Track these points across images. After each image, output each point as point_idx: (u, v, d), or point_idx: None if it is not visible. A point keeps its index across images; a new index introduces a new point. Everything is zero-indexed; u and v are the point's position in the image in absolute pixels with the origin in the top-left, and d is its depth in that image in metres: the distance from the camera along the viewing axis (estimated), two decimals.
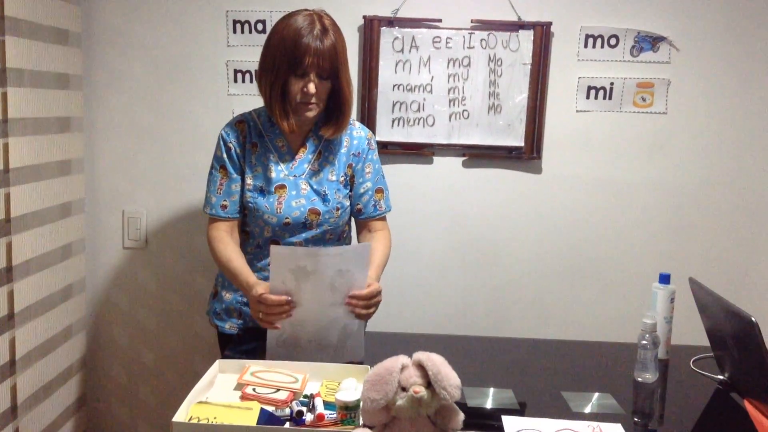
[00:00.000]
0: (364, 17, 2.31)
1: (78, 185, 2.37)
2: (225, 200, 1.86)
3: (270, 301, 1.62)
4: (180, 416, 1.34)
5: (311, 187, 1.85)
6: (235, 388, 1.52)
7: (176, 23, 2.36)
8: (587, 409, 1.54)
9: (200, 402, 1.40)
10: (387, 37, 2.31)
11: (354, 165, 1.90)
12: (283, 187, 1.84)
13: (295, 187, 1.85)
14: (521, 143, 2.37)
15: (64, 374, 2.33)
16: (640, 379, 1.70)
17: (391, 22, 2.31)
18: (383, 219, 1.96)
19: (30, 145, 2.03)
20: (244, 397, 1.46)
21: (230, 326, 1.94)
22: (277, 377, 1.53)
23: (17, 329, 2.01)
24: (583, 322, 2.48)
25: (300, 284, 1.61)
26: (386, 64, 2.33)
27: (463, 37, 2.32)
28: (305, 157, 1.87)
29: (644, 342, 1.68)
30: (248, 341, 1.85)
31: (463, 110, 2.36)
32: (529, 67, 2.33)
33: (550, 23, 2.32)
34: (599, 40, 2.35)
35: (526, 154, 2.38)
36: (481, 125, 2.37)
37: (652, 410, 1.64)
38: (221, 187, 1.86)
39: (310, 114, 1.79)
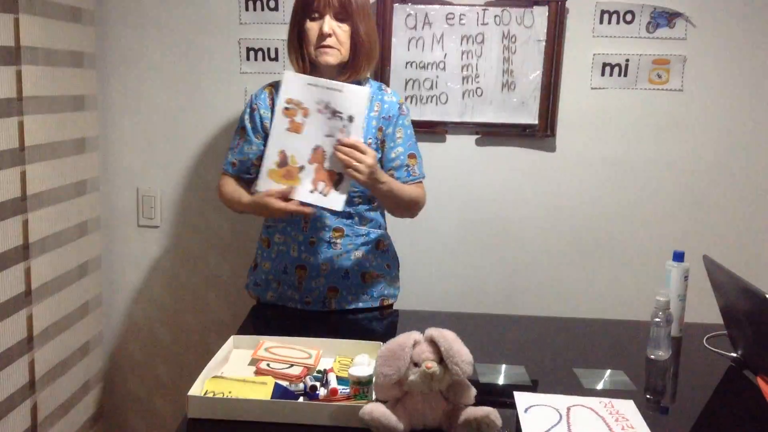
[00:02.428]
0: None
1: (92, 163, 2.38)
2: (235, 159, 1.93)
3: (272, 191, 1.76)
4: (195, 390, 1.36)
5: None
6: (250, 364, 1.54)
7: (188, 1, 2.35)
8: (599, 386, 1.55)
9: (215, 377, 1.42)
10: (400, 13, 2.30)
11: (384, 129, 1.90)
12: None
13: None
14: (535, 121, 2.35)
15: (81, 350, 2.36)
16: (652, 357, 1.70)
17: None
18: (417, 184, 1.93)
19: (45, 123, 2.05)
20: (259, 372, 1.48)
21: (270, 295, 1.98)
22: (291, 353, 1.55)
23: (34, 306, 2.03)
24: (597, 300, 2.47)
25: (300, 112, 1.75)
26: (399, 41, 2.31)
27: (477, 13, 2.30)
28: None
29: (657, 319, 1.68)
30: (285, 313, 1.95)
31: (477, 88, 2.35)
32: (544, 43, 2.31)
33: None
34: (615, 16, 2.31)
35: (540, 132, 2.36)
36: (494, 103, 2.35)
37: (664, 387, 1.64)
38: (236, 147, 1.93)
39: (330, 59, 1.81)
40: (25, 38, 1.91)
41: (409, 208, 1.91)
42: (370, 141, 1.88)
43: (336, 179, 1.77)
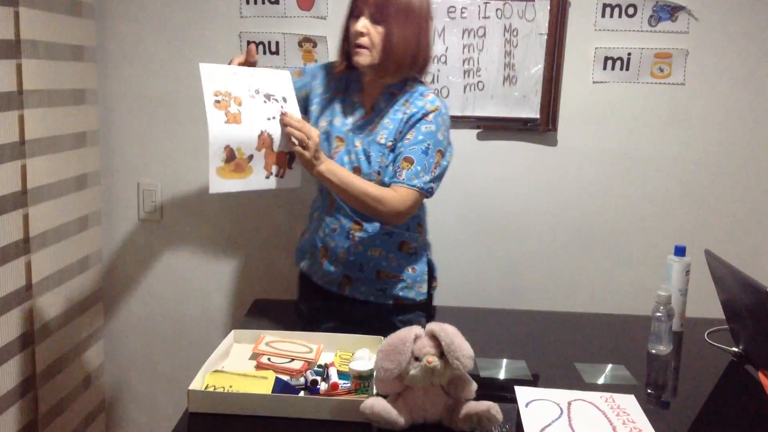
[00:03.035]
0: None
1: (93, 157, 2.38)
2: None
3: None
4: (196, 385, 1.35)
5: (362, 146, 1.87)
6: (251, 358, 1.54)
7: None
8: (600, 381, 1.55)
9: (216, 371, 1.42)
10: None
11: (402, 131, 1.86)
12: (341, 140, 1.90)
13: (351, 143, 1.88)
14: (537, 115, 2.35)
15: (83, 345, 2.36)
16: (654, 351, 1.70)
17: None
18: (396, 188, 1.81)
19: (45, 117, 2.04)
20: (260, 367, 1.48)
21: (303, 265, 2.04)
22: (292, 347, 1.55)
23: (35, 300, 2.03)
24: (598, 294, 2.47)
25: (234, 99, 1.71)
26: None
27: (479, 6, 2.29)
28: (370, 117, 1.89)
29: (659, 314, 1.68)
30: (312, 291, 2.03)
31: (478, 81, 2.34)
32: (545, 37, 2.30)
33: None
34: (617, 10, 2.30)
35: (542, 126, 2.36)
36: (496, 97, 2.35)
37: (665, 382, 1.64)
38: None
39: (361, 59, 1.81)
40: (25, 32, 1.90)
41: (363, 203, 1.80)
42: (390, 144, 1.86)
43: (287, 158, 1.76)
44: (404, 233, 1.95)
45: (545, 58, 2.31)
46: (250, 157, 1.71)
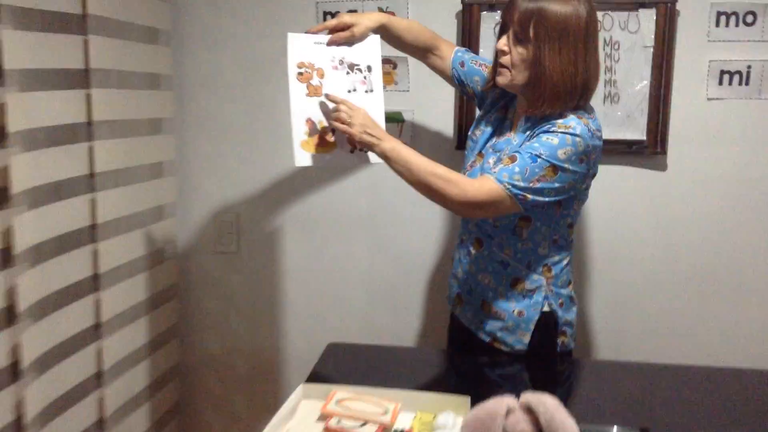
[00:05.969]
0: (463, 2, 2.14)
1: (170, 188, 2.33)
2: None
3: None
4: None
5: (491, 163, 1.73)
6: (319, 419, 1.39)
7: (265, 17, 2.27)
8: None
9: None
10: (488, 21, 2.13)
11: (524, 143, 1.67)
12: (481, 155, 1.80)
13: (486, 160, 1.76)
14: (643, 137, 2.14)
15: (157, 383, 2.30)
16: None
17: (492, 5, 2.12)
18: (483, 176, 1.64)
19: (118, 147, 1.99)
20: (328, 430, 1.33)
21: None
22: (365, 407, 1.39)
23: (104, 339, 1.97)
24: (716, 343, 2.21)
25: (317, 71, 1.73)
26: (487, 51, 2.14)
27: None
28: (511, 137, 1.74)
29: None
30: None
31: None
32: (651, 50, 2.10)
33: (675, 0, 2.07)
34: (733, 18, 2.09)
35: (649, 149, 2.15)
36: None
37: None
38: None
39: (500, 79, 1.69)
40: (95, 60, 1.85)
41: (428, 185, 1.62)
42: None
43: None
44: (522, 269, 1.75)
45: (652, 73, 2.11)
46: (333, 131, 1.73)
